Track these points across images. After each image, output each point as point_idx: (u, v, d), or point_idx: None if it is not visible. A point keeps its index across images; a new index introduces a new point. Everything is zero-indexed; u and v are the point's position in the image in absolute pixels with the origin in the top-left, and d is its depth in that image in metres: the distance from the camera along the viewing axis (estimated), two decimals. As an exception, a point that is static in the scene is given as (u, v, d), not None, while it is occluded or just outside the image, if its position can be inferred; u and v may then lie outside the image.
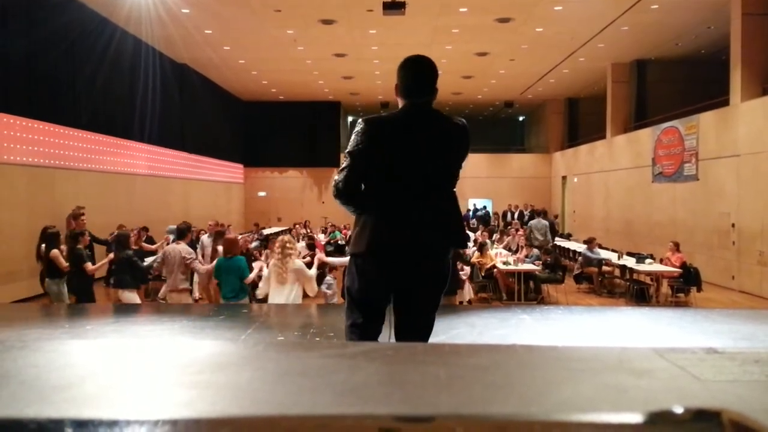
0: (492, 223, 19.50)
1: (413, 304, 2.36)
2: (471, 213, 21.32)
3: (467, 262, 9.05)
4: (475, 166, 22.63)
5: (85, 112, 11.68)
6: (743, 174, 10.89)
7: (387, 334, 2.39)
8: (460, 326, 4.19)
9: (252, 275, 6.01)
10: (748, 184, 10.76)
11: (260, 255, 9.11)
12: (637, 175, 15.41)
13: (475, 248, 10.57)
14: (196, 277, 7.61)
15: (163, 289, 7.96)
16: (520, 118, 29.28)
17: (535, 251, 10.94)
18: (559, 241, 15.15)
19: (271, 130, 22.78)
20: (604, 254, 11.28)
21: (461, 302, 8.10)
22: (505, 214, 20.43)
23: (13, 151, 9.46)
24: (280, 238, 5.81)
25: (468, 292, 8.85)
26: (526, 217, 18.10)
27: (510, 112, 26.87)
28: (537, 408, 1.18)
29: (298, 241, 9.89)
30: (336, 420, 0.79)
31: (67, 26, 10.84)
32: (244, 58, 15.98)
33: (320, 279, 7.25)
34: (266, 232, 14.99)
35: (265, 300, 5.65)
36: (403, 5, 10.70)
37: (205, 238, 9.54)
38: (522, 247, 11.71)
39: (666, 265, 9.96)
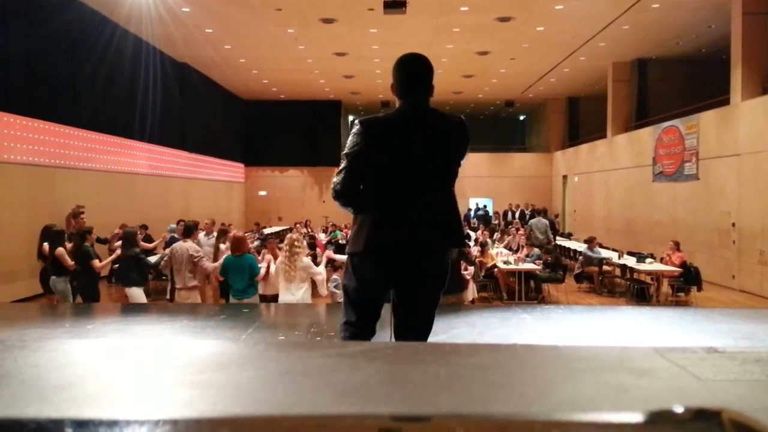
0: (493, 222, 19.50)
1: (412, 303, 2.36)
2: (472, 212, 21.31)
3: (471, 262, 9.05)
4: (475, 165, 22.63)
5: (85, 112, 11.68)
6: (744, 173, 10.89)
7: (387, 334, 2.39)
8: (460, 326, 4.19)
9: (263, 272, 6.08)
10: (748, 183, 10.75)
11: (258, 255, 9.11)
12: (638, 175, 15.40)
13: (476, 247, 10.57)
14: None
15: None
16: (521, 118, 29.27)
17: (536, 251, 10.94)
18: (560, 241, 15.15)
19: (271, 129, 22.78)
20: (604, 253, 11.28)
21: (468, 302, 8.09)
22: (505, 214, 20.42)
23: (13, 150, 9.46)
24: (288, 236, 5.89)
25: (471, 291, 8.85)
26: (527, 217, 18.10)
27: (511, 112, 26.87)
28: (538, 407, 1.18)
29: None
30: (337, 419, 0.79)
31: (67, 25, 10.84)
32: (244, 57, 15.98)
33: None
34: (267, 231, 14.99)
35: (275, 299, 5.70)
36: (403, 4, 10.69)
37: (202, 236, 9.54)
38: (522, 246, 11.71)
39: (666, 264, 9.95)
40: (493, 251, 11.11)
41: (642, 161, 15.14)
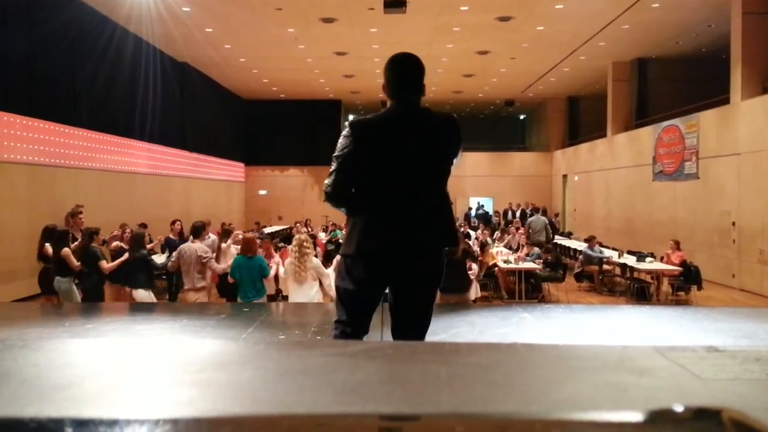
0: (493, 221, 19.49)
1: (408, 303, 2.36)
2: (473, 212, 21.30)
3: (476, 260, 9.05)
4: (475, 164, 22.63)
5: (85, 111, 11.68)
6: (744, 172, 10.89)
7: (379, 333, 2.40)
8: (460, 325, 4.19)
9: (272, 273, 6.08)
10: (748, 182, 10.75)
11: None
12: (638, 174, 15.40)
13: (476, 247, 10.56)
14: None
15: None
16: (521, 117, 29.26)
17: (536, 250, 10.94)
18: (560, 240, 15.15)
19: (271, 129, 22.77)
20: (604, 253, 11.29)
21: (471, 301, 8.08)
22: (506, 213, 20.42)
23: (13, 149, 9.46)
24: (296, 237, 5.90)
25: (475, 290, 8.85)
26: (528, 216, 18.10)
27: (511, 111, 26.85)
28: (538, 406, 1.18)
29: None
30: (337, 419, 0.79)
31: (67, 25, 10.84)
32: (244, 56, 15.97)
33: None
34: (267, 230, 15.00)
35: (272, 298, 5.70)
36: (403, 3, 10.68)
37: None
38: (523, 245, 11.72)
39: (666, 263, 9.96)
40: (493, 250, 11.12)
41: (642, 160, 15.14)
